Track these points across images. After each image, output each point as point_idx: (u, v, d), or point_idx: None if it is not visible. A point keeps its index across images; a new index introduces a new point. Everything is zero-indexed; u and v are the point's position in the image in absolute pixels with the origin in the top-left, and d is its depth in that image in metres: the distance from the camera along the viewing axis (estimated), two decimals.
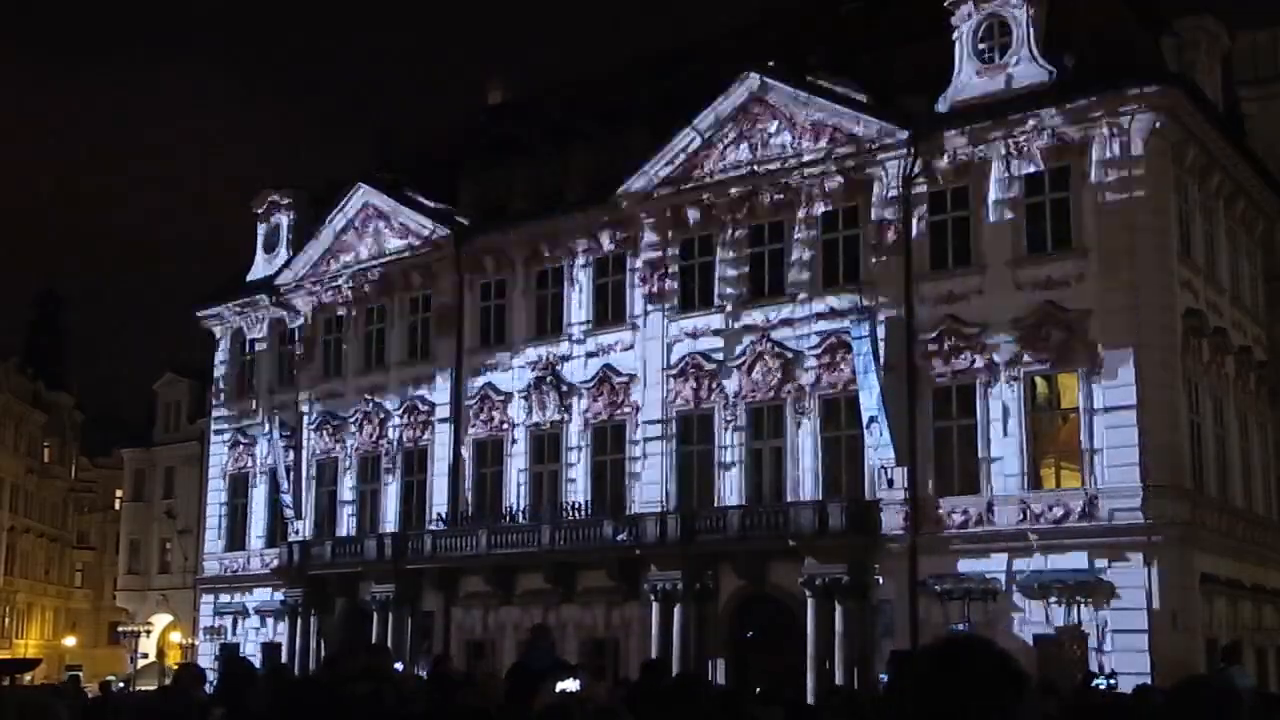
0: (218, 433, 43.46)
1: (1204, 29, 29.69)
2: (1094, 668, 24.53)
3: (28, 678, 45.85)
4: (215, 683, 9.67)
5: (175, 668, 12.40)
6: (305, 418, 39.45)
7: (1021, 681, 2.73)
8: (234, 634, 40.65)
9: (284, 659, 35.94)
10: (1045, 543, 26.27)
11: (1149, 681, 21.00)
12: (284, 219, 42.51)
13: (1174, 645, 24.74)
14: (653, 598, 30.21)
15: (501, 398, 35.22)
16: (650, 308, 32.60)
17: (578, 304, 34.38)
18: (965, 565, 26.95)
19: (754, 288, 31.23)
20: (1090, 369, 26.45)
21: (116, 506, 70.78)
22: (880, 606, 27.84)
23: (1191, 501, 26.49)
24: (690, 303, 32.16)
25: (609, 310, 33.85)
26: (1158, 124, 26.84)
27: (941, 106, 28.84)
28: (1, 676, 38.17)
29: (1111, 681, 22.65)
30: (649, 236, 32.82)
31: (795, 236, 30.65)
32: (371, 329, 39.02)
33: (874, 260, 29.30)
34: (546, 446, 34.46)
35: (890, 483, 27.98)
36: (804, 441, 29.78)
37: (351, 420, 38.59)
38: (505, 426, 35.13)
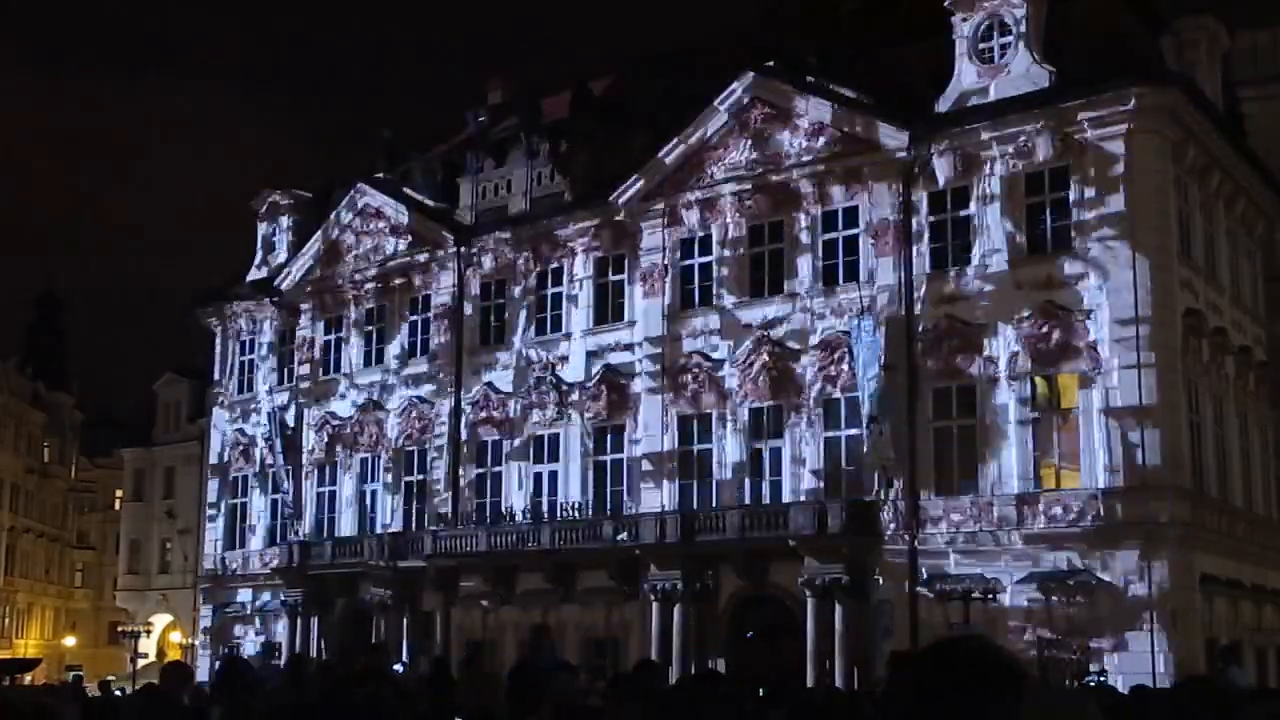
0: (217, 433, 43.47)
1: (1204, 29, 29.70)
2: (1094, 668, 24.57)
3: (28, 678, 45.87)
4: (214, 682, 9.67)
5: (162, 667, 12.38)
6: (305, 418, 39.44)
7: (1020, 680, 2.73)
8: (234, 634, 40.65)
9: (283, 659, 35.93)
10: (1045, 543, 26.28)
11: (1149, 682, 21.02)
12: (284, 219, 42.52)
13: (1174, 645, 24.75)
14: (653, 598, 30.21)
15: (501, 397, 35.23)
16: (650, 307, 32.60)
17: (578, 304, 34.38)
18: (965, 565, 26.95)
19: (754, 288, 31.23)
20: (1090, 369, 26.46)
21: (116, 506, 70.80)
22: (880, 607, 27.83)
23: (1191, 501, 26.49)
24: (690, 302, 32.16)
25: (609, 310, 33.86)
26: (1158, 124, 26.85)
27: (941, 106, 28.85)
28: (1, 676, 38.20)
29: (1101, 678, 22.70)
30: (649, 236, 32.83)
31: (795, 236, 30.65)
32: (371, 329, 39.02)
33: (874, 260, 29.31)
34: (546, 446, 34.47)
35: (890, 483, 27.98)
36: (804, 441, 29.78)
37: (351, 420, 38.59)
38: (505, 426, 35.13)
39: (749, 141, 31.44)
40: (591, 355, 33.77)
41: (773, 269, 31.03)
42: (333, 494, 39.11)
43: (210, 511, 43.81)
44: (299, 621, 37.26)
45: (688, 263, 32.43)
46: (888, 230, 29.11)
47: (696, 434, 31.63)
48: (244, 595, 40.82)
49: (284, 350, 41.57)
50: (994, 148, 27.99)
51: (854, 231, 29.94)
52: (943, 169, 28.74)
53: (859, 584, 27.80)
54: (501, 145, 37.71)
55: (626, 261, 33.60)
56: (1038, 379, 27.36)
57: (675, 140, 32.29)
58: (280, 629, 38.72)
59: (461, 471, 35.89)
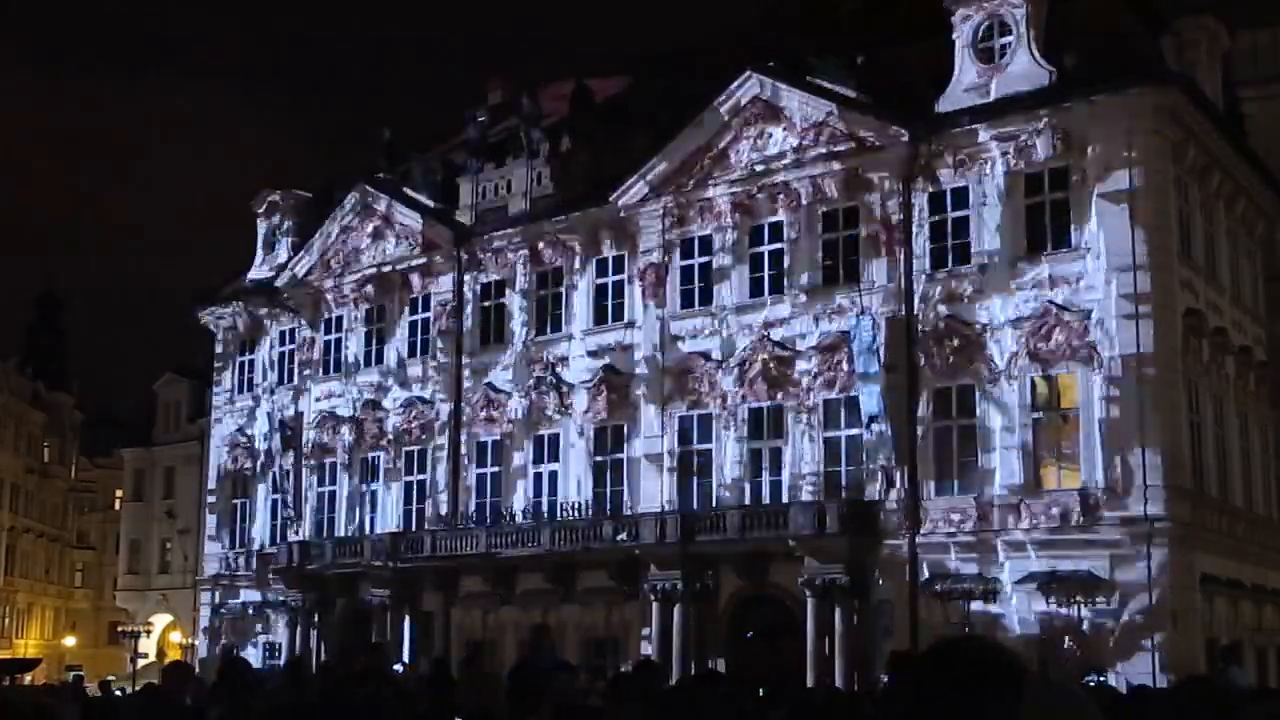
0: (217, 432, 43.46)
1: (1204, 29, 29.68)
2: (1093, 668, 24.57)
3: (28, 678, 45.91)
4: (214, 682, 9.67)
5: (163, 667, 12.41)
6: (305, 418, 39.44)
7: (1020, 680, 2.74)
8: (234, 634, 40.63)
9: (283, 659, 35.93)
10: (1045, 542, 26.27)
11: (1149, 682, 21.02)
12: (284, 219, 42.50)
13: (1174, 645, 24.74)
14: (653, 598, 30.21)
15: (501, 397, 35.22)
16: (650, 307, 32.60)
17: (577, 304, 34.38)
18: (965, 565, 26.96)
19: (753, 288, 31.23)
20: (1090, 369, 26.46)
21: (116, 506, 70.79)
22: (880, 606, 27.83)
23: (1191, 501, 26.49)
24: (690, 302, 32.15)
25: (609, 310, 33.85)
26: (1158, 124, 26.85)
27: (941, 106, 28.83)
28: (1, 677, 38.24)
29: (1101, 678, 22.70)
30: (648, 236, 32.83)
31: (795, 236, 30.65)
32: (371, 329, 39.02)
33: (874, 260, 29.31)
34: (547, 446, 34.46)
35: (890, 483, 27.98)
36: (804, 441, 29.78)
37: (351, 420, 38.58)
38: (505, 426, 35.12)
39: (749, 141, 31.44)
40: (591, 355, 33.76)
41: (773, 269, 31.03)
42: (333, 494, 39.10)
43: (210, 511, 43.81)
44: (299, 621, 37.24)
45: (688, 263, 32.43)
46: (887, 230, 29.10)
47: (696, 434, 31.62)
48: (244, 595, 40.80)
49: (284, 350, 41.57)
50: (994, 147, 27.99)
51: (854, 231, 29.94)
52: (943, 169, 28.75)
53: (859, 584, 27.80)
54: (501, 145, 37.71)
55: (626, 261, 33.60)
56: (1038, 379, 27.35)
57: (675, 140, 32.28)
58: (280, 629, 38.71)
59: (462, 471, 35.88)
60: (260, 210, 43.19)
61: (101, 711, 11.51)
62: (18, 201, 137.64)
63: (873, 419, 27.58)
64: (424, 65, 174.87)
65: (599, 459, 33.32)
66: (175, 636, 52.79)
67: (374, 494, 38.01)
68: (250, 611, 40.42)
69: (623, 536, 30.56)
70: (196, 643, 43.47)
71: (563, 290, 34.79)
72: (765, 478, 30.51)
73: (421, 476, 37.00)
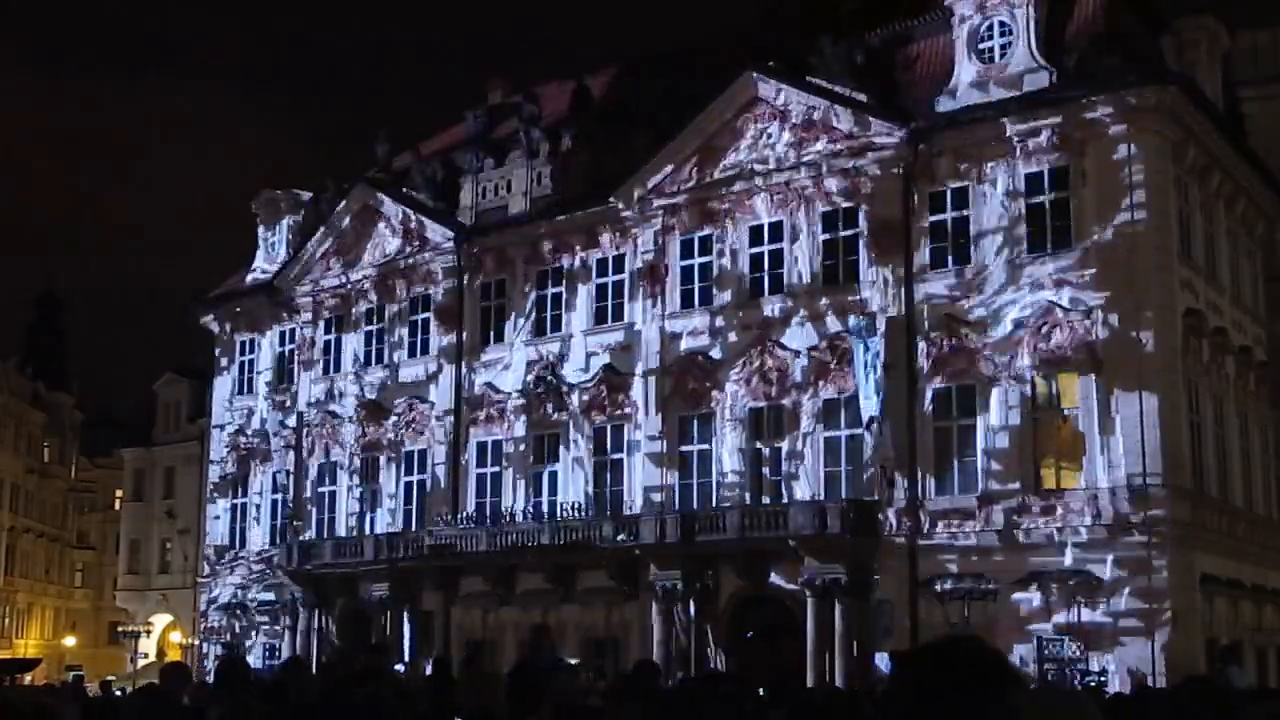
0: (217, 433, 43.44)
1: (1204, 29, 29.69)
2: (1094, 668, 24.59)
3: (28, 678, 45.87)
4: (212, 683, 9.66)
5: (162, 667, 12.36)
6: (305, 417, 39.43)
7: (1015, 680, 2.74)
8: (234, 634, 40.61)
9: (283, 659, 35.90)
10: (1045, 542, 26.26)
11: (1149, 682, 21.03)
12: (284, 219, 42.51)
13: (1174, 645, 24.74)
14: (654, 598, 30.19)
15: (501, 397, 35.22)
16: (649, 307, 32.60)
17: (577, 304, 34.38)
18: (965, 565, 26.94)
19: (754, 288, 31.23)
20: (1090, 369, 26.45)
21: (116, 506, 70.78)
22: (880, 606, 27.82)
23: (1191, 501, 26.48)
24: (689, 302, 32.15)
25: (608, 310, 33.86)
26: (1158, 124, 26.84)
27: (941, 106, 28.84)
28: (1, 677, 38.17)
29: (1101, 679, 22.70)
30: (648, 236, 32.83)
31: (794, 236, 30.65)
32: (371, 329, 39.02)
33: (874, 260, 29.30)
34: (547, 446, 34.46)
35: (890, 483, 27.96)
36: (803, 442, 29.77)
37: (351, 420, 38.57)
38: (505, 426, 35.12)
39: (749, 141, 31.44)
40: (591, 355, 33.76)
41: (772, 269, 31.03)
42: (333, 494, 39.10)
43: (210, 511, 43.80)
44: (299, 621, 37.24)
45: (687, 262, 32.43)
46: (887, 230, 29.09)
47: (696, 434, 31.63)
48: (244, 595, 40.78)
49: (284, 350, 41.57)
50: (994, 147, 27.98)
51: (853, 231, 29.94)
52: (943, 169, 28.74)
53: (859, 584, 27.79)
54: (501, 145, 37.72)
55: (626, 261, 33.60)
56: (1038, 379, 27.35)
57: (675, 140, 32.27)
58: (280, 629, 38.69)
59: (461, 471, 35.88)
60: (260, 210, 43.19)
61: (101, 711, 11.49)
62: (18, 201, 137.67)
63: (873, 419, 27.56)
64: (424, 65, 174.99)
65: (599, 459, 33.32)
66: (175, 636, 52.80)
67: (374, 494, 38.01)
68: (250, 612, 40.39)
69: (623, 536, 30.55)
70: (196, 643, 43.46)
71: (562, 290, 34.79)
72: (765, 477, 30.50)
73: (421, 476, 36.99)
